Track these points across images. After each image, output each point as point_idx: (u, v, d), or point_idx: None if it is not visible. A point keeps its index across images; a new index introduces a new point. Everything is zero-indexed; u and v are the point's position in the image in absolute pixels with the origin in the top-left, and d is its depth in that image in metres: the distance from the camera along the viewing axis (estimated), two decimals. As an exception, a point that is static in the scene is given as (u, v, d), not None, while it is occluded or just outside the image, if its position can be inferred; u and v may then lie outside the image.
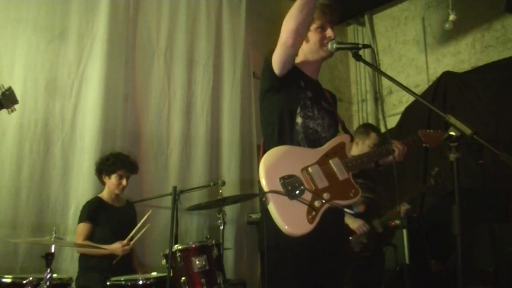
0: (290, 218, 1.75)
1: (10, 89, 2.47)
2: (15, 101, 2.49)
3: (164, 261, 3.01)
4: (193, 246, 3.00)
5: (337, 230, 2.03)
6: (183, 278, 2.88)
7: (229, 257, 4.20)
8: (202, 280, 2.88)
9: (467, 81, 4.90)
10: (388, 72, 5.26)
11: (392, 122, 5.52)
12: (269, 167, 1.82)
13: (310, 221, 1.76)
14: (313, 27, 2.03)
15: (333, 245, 1.95)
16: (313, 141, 1.98)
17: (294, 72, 2.02)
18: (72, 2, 3.87)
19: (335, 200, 1.86)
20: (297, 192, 1.79)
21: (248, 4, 4.95)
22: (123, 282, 2.91)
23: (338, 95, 6.11)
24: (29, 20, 3.67)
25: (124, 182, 3.43)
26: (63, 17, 3.83)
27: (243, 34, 4.83)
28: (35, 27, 3.69)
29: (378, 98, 6.04)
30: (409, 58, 5.81)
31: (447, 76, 5.05)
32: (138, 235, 3.24)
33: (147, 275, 3.03)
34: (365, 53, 5.17)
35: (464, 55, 5.24)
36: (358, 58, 1.88)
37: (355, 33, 6.38)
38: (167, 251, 2.94)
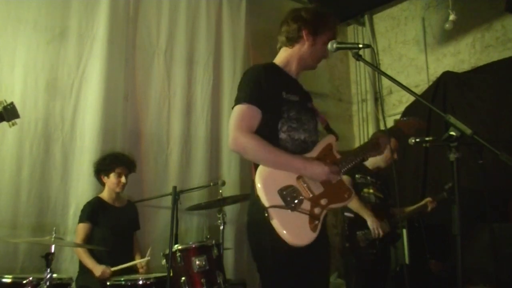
0: (295, 230, 1.76)
1: (12, 104, 2.55)
2: (16, 115, 2.57)
3: (164, 261, 3.01)
4: (193, 246, 3.01)
5: (323, 238, 1.99)
6: (183, 278, 2.88)
7: (229, 257, 4.20)
8: (202, 280, 2.88)
9: (467, 81, 4.89)
10: (388, 72, 5.26)
11: (392, 122, 5.51)
12: (266, 180, 1.82)
13: (313, 229, 1.79)
14: (325, 38, 2.02)
15: (320, 251, 1.96)
16: (302, 151, 1.96)
17: (274, 84, 1.94)
18: (72, 2, 3.87)
19: (333, 204, 1.89)
20: (296, 201, 1.79)
21: (248, 4, 4.94)
22: (123, 282, 2.91)
23: (338, 95, 6.17)
24: (29, 20, 3.67)
25: (123, 179, 3.43)
26: (63, 17, 3.83)
27: (243, 34, 4.82)
28: (35, 27, 3.69)
29: (378, 98, 6.04)
30: (409, 58, 5.80)
31: (447, 76, 5.04)
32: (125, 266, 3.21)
33: (147, 275, 3.03)
34: (365, 53, 5.16)
35: (464, 55, 5.24)
36: (358, 58, 1.87)
37: (355, 33, 6.37)
38: (167, 251, 2.94)
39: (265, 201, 1.77)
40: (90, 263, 3.17)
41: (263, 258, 1.89)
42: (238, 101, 1.91)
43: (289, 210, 1.77)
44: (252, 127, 1.87)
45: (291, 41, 2.06)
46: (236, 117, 1.87)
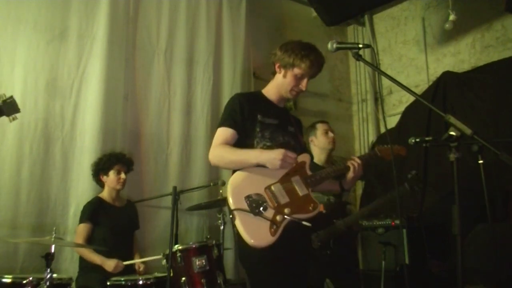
0: (254, 232, 1.93)
1: (11, 98, 2.50)
2: (16, 109, 2.51)
3: (164, 261, 3.01)
4: (193, 246, 3.01)
5: (303, 239, 2.22)
6: (183, 278, 2.88)
7: (229, 257, 4.19)
8: (202, 280, 2.89)
9: (467, 81, 4.89)
10: (388, 72, 5.26)
11: (392, 122, 5.51)
12: (236, 187, 2.03)
13: (273, 233, 1.94)
14: (295, 71, 2.17)
15: (299, 252, 2.13)
16: None
17: (250, 109, 2.17)
18: (72, 2, 3.88)
19: (295, 214, 2.03)
20: (261, 208, 1.97)
21: (248, 4, 4.95)
22: (123, 282, 2.91)
23: (338, 95, 6.17)
24: (29, 20, 3.67)
25: (123, 175, 3.45)
26: (63, 17, 3.83)
27: (243, 34, 4.83)
28: (35, 27, 3.69)
29: (378, 98, 6.04)
30: (409, 58, 5.81)
31: (447, 76, 5.04)
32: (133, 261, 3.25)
33: (147, 275, 3.03)
34: (365, 53, 5.16)
35: (464, 55, 5.24)
36: (358, 58, 1.88)
37: (355, 33, 6.37)
38: (167, 251, 2.94)
39: (231, 204, 1.98)
40: (98, 259, 3.16)
41: (243, 260, 2.10)
42: (218, 125, 2.19)
43: (252, 215, 1.95)
44: (226, 144, 2.12)
45: (272, 72, 2.30)
46: (214, 139, 2.17)
